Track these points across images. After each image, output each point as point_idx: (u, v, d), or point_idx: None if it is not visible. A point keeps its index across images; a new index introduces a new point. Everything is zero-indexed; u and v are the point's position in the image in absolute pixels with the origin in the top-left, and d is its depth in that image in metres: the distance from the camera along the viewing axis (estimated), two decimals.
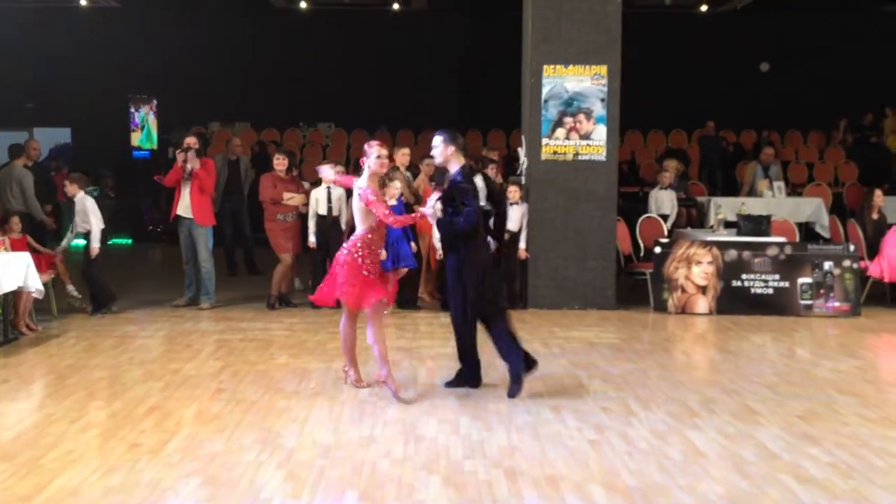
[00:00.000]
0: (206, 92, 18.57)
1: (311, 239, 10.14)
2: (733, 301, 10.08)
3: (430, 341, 8.61)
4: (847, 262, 10.08)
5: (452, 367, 7.10)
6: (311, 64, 18.84)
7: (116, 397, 6.61)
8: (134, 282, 12.41)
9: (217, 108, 19.00)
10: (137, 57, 18.37)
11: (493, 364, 7.67)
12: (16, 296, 8.73)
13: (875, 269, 10.54)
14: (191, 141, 10.25)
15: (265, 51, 18.88)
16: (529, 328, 9.32)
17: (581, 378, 7.30)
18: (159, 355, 8.06)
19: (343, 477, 5.03)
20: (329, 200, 10.11)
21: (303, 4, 18.02)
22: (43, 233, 11.65)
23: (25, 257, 8.80)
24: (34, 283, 8.74)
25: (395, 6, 18.29)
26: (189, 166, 10.07)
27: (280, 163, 10.46)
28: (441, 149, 6.78)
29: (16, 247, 9.32)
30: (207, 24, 18.65)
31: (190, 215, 10.17)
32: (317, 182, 10.49)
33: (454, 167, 6.77)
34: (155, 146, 18.12)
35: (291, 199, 10.36)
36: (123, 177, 18.11)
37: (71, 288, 10.10)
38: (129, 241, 17.31)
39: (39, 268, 9.30)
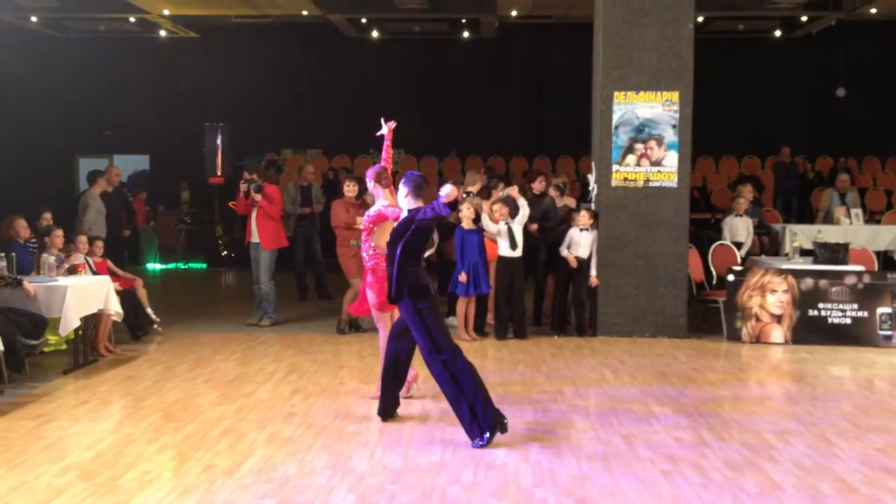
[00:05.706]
0: (279, 120, 19.00)
1: None
2: (810, 330, 9.87)
3: (498, 366, 8.61)
4: None
5: (519, 393, 7.05)
6: (381, 91, 19.07)
7: (192, 419, 6.74)
8: (209, 305, 12.67)
9: (289, 135, 19.40)
10: (213, 85, 18.88)
11: (561, 393, 7.64)
12: (96, 318, 8.98)
13: None
14: (253, 175, 10.94)
15: (337, 79, 19.21)
16: (600, 356, 9.26)
17: (652, 407, 7.21)
18: (233, 378, 8.19)
19: (413, 502, 5.04)
20: None
21: (374, 34, 18.30)
22: (121, 257, 11.94)
23: (106, 281, 9.05)
24: (114, 306, 8.99)
25: (465, 34, 18.45)
26: (252, 196, 10.70)
27: (350, 189, 10.59)
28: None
29: (97, 270, 9.59)
30: (281, 53, 19.10)
31: (257, 240, 10.92)
32: None
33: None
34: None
35: None
36: (199, 203, 18.57)
37: (149, 311, 10.30)
38: (204, 265, 17.66)
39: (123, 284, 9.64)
